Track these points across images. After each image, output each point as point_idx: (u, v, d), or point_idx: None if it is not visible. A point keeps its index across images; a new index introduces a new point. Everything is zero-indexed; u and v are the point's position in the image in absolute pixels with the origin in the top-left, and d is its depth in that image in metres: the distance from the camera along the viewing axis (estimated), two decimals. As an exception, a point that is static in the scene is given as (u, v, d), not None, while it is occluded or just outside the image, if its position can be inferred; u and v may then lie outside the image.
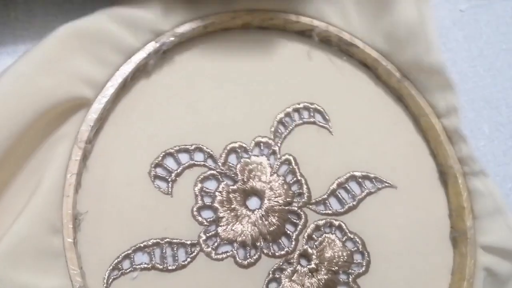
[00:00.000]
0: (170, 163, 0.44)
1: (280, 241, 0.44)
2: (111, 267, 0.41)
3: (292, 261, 0.44)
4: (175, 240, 0.42)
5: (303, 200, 0.46)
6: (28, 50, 0.42)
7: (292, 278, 0.44)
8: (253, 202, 0.45)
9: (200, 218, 0.43)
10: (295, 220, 0.45)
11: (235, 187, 0.44)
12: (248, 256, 0.43)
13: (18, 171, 0.40)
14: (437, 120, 0.49)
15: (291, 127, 0.47)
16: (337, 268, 0.45)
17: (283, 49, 0.49)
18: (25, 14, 0.48)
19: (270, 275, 0.43)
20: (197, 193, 0.44)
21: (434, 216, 0.48)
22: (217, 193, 0.44)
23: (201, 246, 0.43)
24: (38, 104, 0.39)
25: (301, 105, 0.48)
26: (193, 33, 0.46)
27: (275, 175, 0.46)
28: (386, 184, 0.48)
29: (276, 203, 0.45)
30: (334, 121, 0.48)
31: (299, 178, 0.46)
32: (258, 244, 0.44)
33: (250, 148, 0.46)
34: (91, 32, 0.42)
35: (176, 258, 0.42)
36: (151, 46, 0.44)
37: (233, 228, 0.43)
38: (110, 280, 0.41)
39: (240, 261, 0.43)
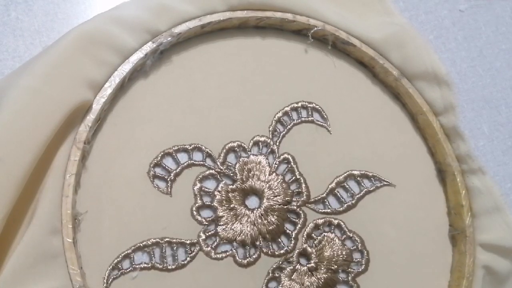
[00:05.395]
0: (169, 163, 0.44)
1: (279, 240, 0.45)
2: (111, 267, 0.41)
3: (291, 260, 0.44)
4: (174, 240, 0.42)
5: (302, 199, 0.46)
6: (32, 59, 0.42)
7: (292, 277, 0.44)
8: (252, 201, 0.45)
9: (199, 218, 0.43)
10: (294, 219, 0.45)
11: (234, 186, 0.45)
12: (248, 255, 0.43)
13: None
14: (434, 118, 0.49)
15: (289, 126, 0.47)
16: (336, 266, 0.45)
17: (280, 48, 0.49)
18: (25, 14, 0.49)
19: (270, 274, 0.44)
20: (196, 193, 0.44)
21: (433, 214, 0.48)
22: (216, 193, 0.44)
23: (200, 245, 0.43)
24: (51, 115, 0.39)
25: (299, 104, 0.48)
26: (190, 33, 0.46)
27: (274, 174, 0.46)
28: (385, 183, 0.48)
29: (275, 202, 0.45)
30: (332, 120, 0.48)
31: (298, 177, 0.46)
32: (258, 243, 0.44)
33: (248, 148, 0.46)
34: (90, 35, 0.42)
35: (176, 257, 0.42)
36: (149, 47, 0.44)
37: (232, 227, 0.44)
38: (110, 280, 0.41)
39: (240, 260, 0.43)
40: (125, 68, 0.43)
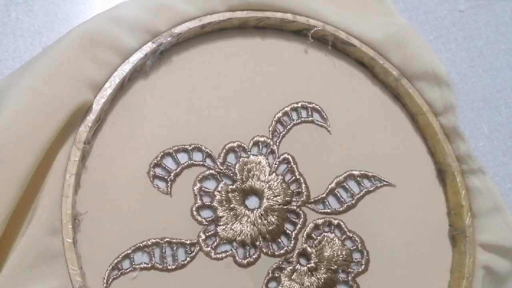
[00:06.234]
0: (169, 163, 0.44)
1: (279, 240, 0.45)
2: (111, 267, 0.41)
3: (291, 260, 0.44)
4: (174, 240, 0.42)
5: (302, 199, 0.46)
6: (33, 59, 0.42)
7: (292, 277, 0.44)
8: (252, 201, 0.45)
9: (199, 218, 0.43)
10: (294, 219, 0.45)
11: (234, 186, 0.45)
12: (248, 256, 0.43)
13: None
14: (434, 118, 0.49)
15: (289, 126, 0.47)
16: (336, 267, 0.45)
17: (280, 49, 0.49)
18: (25, 14, 0.49)
19: (270, 274, 0.44)
20: (196, 193, 0.44)
21: (433, 214, 0.48)
22: (216, 193, 0.44)
23: (200, 245, 0.43)
24: (51, 116, 0.39)
25: (299, 104, 0.48)
26: (190, 33, 0.46)
27: (274, 174, 0.46)
28: (385, 183, 0.48)
29: (275, 202, 0.45)
30: (332, 120, 0.48)
31: (298, 177, 0.46)
32: (258, 243, 0.44)
33: (248, 148, 0.46)
34: (90, 35, 0.42)
35: (176, 257, 0.42)
36: (149, 47, 0.44)
37: (232, 227, 0.44)
38: (110, 280, 0.41)
39: (240, 260, 0.43)
40: (125, 68, 0.43)
